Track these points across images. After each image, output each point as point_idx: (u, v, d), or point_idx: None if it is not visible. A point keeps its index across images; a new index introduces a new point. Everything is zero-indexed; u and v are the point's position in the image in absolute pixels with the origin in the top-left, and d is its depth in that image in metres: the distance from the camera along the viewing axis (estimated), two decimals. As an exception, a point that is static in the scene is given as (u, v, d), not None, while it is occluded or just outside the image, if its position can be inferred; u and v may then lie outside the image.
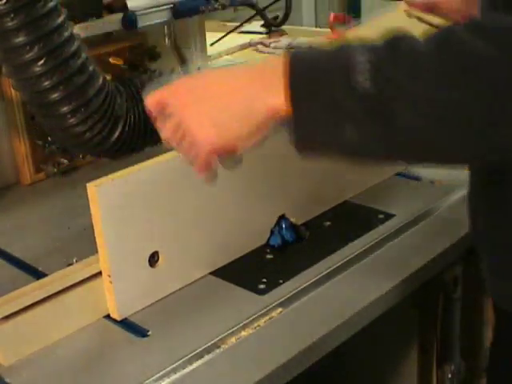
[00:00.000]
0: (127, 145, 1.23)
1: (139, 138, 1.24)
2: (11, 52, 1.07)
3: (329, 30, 2.36)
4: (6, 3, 1.03)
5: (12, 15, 1.04)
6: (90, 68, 1.14)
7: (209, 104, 0.71)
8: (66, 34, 1.10)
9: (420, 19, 1.01)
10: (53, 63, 1.08)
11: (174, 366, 0.85)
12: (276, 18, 2.49)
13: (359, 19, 4.05)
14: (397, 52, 0.64)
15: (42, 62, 1.08)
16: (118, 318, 0.94)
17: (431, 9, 1.02)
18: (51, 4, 1.07)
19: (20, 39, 1.06)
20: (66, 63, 1.10)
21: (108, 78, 1.24)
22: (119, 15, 1.37)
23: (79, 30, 1.17)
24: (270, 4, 2.46)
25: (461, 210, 1.17)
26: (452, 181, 1.24)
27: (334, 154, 0.71)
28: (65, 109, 1.13)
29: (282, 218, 1.12)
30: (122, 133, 1.21)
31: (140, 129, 1.24)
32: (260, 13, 2.40)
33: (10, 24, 1.04)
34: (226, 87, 0.72)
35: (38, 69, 1.08)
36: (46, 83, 1.10)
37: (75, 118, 1.14)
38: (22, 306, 0.87)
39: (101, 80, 1.16)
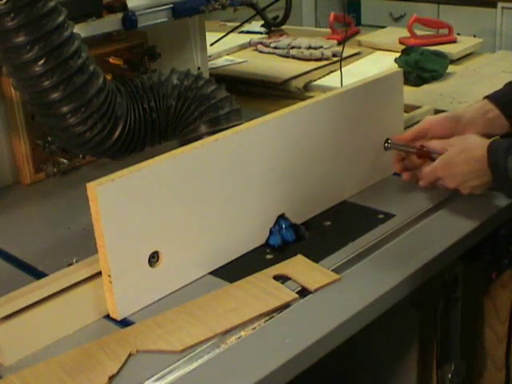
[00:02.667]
0: (127, 145, 1.23)
1: (139, 137, 1.25)
2: (11, 52, 1.07)
3: (329, 30, 2.37)
4: (6, 3, 1.03)
5: (12, 15, 1.04)
6: (91, 68, 1.14)
7: None
8: (66, 33, 1.10)
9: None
10: (53, 63, 1.08)
11: (174, 365, 0.85)
12: (276, 18, 2.50)
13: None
14: None
15: (42, 61, 1.08)
16: (118, 318, 0.94)
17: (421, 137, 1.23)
18: (51, 4, 1.07)
19: (20, 39, 1.06)
20: (66, 63, 1.10)
21: (108, 78, 1.24)
22: (119, 15, 1.37)
23: (79, 30, 1.17)
24: (270, 4, 2.47)
25: (461, 210, 1.18)
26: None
27: None
28: (65, 108, 1.13)
29: (282, 217, 1.12)
30: (122, 133, 1.21)
31: (140, 129, 1.24)
32: (260, 13, 2.40)
33: (10, 24, 1.04)
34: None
35: (38, 68, 1.08)
36: (47, 83, 1.10)
37: (75, 118, 1.14)
38: (21, 306, 0.87)
39: (101, 80, 1.16)
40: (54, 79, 1.10)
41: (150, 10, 1.42)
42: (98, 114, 1.16)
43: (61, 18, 1.09)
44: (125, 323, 0.94)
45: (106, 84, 1.17)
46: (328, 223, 1.17)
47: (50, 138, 1.38)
